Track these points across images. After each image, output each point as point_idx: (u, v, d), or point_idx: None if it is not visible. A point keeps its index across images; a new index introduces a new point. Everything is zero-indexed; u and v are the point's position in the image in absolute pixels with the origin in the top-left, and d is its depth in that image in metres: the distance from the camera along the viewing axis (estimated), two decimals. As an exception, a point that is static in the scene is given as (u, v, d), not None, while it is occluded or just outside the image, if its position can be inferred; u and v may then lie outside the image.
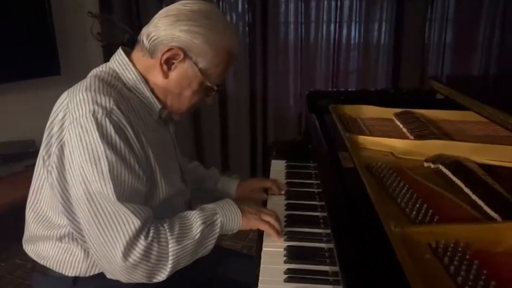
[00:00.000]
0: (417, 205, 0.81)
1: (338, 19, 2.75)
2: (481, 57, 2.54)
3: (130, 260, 0.84)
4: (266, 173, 1.50)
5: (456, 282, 0.60)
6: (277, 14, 2.86)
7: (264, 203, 1.25)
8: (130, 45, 3.08)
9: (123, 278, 0.87)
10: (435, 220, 0.77)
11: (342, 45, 2.81)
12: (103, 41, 3.03)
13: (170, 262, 0.88)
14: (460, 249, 0.67)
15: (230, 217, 0.98)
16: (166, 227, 0.90)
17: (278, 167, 1.50)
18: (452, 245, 0.67)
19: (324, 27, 2.80)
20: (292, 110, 2.98)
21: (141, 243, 0.85)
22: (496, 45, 2.51)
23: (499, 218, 0.75)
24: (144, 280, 0.88)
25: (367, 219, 0.71)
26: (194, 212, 0.96)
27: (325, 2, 2.76)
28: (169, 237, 0.88)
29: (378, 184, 0.93)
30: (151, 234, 0.86)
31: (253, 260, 1.15)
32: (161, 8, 3.10)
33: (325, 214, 1.08)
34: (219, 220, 0.96)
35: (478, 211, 0.81)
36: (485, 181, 0.92)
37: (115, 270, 0.86)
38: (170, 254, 0.88)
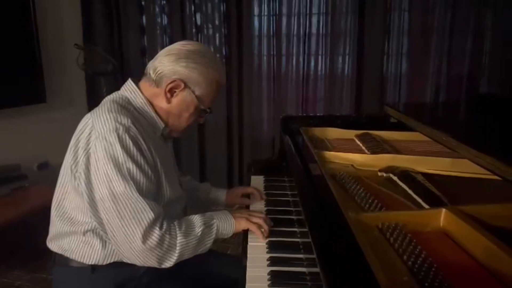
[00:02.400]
0: (370, 200, 1.05)
1: (306, 53, 3.06)
2: (431, 85, 2.89)
3: (148, 244, 1.03)
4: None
5: (395, 249, 0.83)
6: (251, 47, 3.14)
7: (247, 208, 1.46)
8: (113, 75, 3.26)
9: (139, 261, 1.06)
10: (382, 210, 1.00)
11: (310, 75, 3.11)
12: (87, 71, 3.22)
13: (177, 252, 1.08)
14: (398, 228, 0.90)
15: (224, 222, 1.18)
16: (176, 224, 1.10)
17: (257, 182, 1.71)
18: (393, 226, 0.90)
19: (294, 60, 3.10)
20: (265, 134, 3.22)
21: (157, 232, 1.04)
22: (444, 75, 2.86)
23: (427, 207, 0.99)
24: (155, 265, 1.07)
25: (331, 209, 0.93)
26: (196, 215, 1.17)
27: (295, 37, 3.06)
28: (177, 232, 1.09)
29: (340, 188, 1.16)
30: (164, 227, 1.06)
31: (239, 259, 1.35)
32: (142, 40, 3.36)
33: (298, 217, 1.31)
34: (215, 224, 1.17)
35: (416, 206, 1.05)
36: (423, 184, 1.17)
37: (134, 253, 1.04)
38: (177, 245, 1.08)
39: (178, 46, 1.19)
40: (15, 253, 2.59)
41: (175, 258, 1.08)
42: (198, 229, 1.13)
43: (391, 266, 0.76)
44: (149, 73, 1.18)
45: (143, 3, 3.31)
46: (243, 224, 1.21)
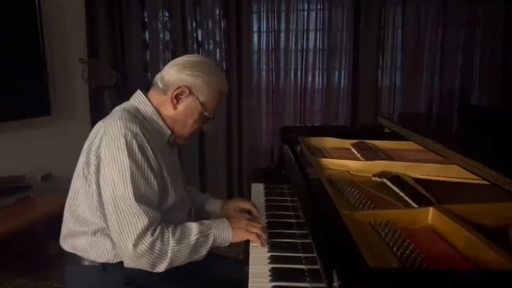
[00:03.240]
0: (363, 201, 1.13)
1: (304, 67, 3.17)
2: (424, 98, 2.99)
3: (138, 250, 1.10)
4: (241, 196, 1.77)
5: (385, 242, 0.90)
6: (251, 62, 3.24)
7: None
8: (117, 88, 3.35)
9: (131, 264, 1.12)
10: (375, 209, 1.08)
11: (308, 88, 3.21)
12: (92, 85, 3.31)
13: (168, 258, 1.13)
14: (389, 225, 0.98)
15: (222, 232, 1.24)
16: (170, 230, 1.16)
17: (257, 189, 1.80)
18: (384, 223, 0.98)
19: (292, 74, 3.20)
20: (264, 144, 3.31)
21: (148, 238, 1.10)
22: (436, 88, 2.98)
23: (417, 207, 1.07)
24: (147, 269, 1.13)
25: (327, 206, 1.01)
26: (194, 223, 1.23)
27: (292, 52, 3.17)
28: (170, 238, 1.14)
29: (336, 190, 1.24)
30: (157, 233, 1.12)
31: (241, 261, 1.42)
32: (145, 55, 3.46)
33: (297, 220, 1.38)
34: (212, 233, 1.22)
35: (406, 206, 1.13)
36: (414, 187, 1.25)
37: (126, 256, 1.11)
38: (169, 251, 1.13)
39: (183, 58, 1.30)
40: (21, 261, 2.64)
41: (166, 263, 1.13)
42: (193, 238, 1.17)
43: (382, 255, 0.84)
44: (157, 82, 1.27)
45: (146, 19, 3.43)
46: (241, 235, 1.25)
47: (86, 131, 3.56)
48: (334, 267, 0.65)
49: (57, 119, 3.16)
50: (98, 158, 1.15)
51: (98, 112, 3.39)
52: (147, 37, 3.46)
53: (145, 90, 1.34)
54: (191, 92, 1.26)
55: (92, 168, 1.15)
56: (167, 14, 3.39)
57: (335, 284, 0.63)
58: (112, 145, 1.13)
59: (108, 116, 1.23)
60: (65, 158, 3.32)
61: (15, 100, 2.84)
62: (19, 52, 2.87)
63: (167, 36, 3.43)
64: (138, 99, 1.28)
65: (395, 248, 0.87)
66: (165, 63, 3.81)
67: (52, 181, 3.17)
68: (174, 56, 3.34)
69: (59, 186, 3.13)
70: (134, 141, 1.14)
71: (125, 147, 1.12)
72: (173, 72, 1.26)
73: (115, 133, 1.14)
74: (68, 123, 3.31)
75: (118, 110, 1.25)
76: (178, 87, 1.24)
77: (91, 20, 3.39)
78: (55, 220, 2.62)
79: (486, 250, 0.83)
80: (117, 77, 3.25)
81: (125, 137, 1.13)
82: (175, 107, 1.27)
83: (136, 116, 1.22)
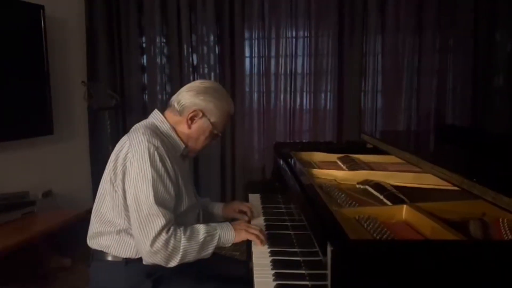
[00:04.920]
0: (349, 202, 1.34)
1: (292, 90, 3.41)
2: (403, 118, 3.25)
3: (155, 246, 1.27)
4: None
5: (368, 230, 1.11)
6: (243, 85, 3.47)
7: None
8: (116, 109, 3.53)
9: (148, 259, 1.30)
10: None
11: (296, 109, 3.45)
12: (93, 106, 3.49)
13: (180, 254, 1.31)
14: (371, 219, 1.18)
15: (226, 232, 1.42)
16: (181, 230, 1.34)
17: (254, 198, 1.99)
18: (366, 217, 1.19)
19: (282, 96, 3.44)
20: (256, 162, 3.51)
21: (163, 236, 1.28)
22: (414, 109, 3.24)
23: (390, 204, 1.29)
24: (162, 263, 1.31)
25: (320, 206, 1.21)
26: (202, 225, 1.41)
27: (282, 76, 3.42)
28: (182, 236, 1.32)
29: (326, 194, 1.45)
30: (170, 231, 1.30)
31: (244, 261, 1.60)
32: (142, 78, 3.66)
33: (292, 223, 1.58)
34: (218, 233, 1.41)
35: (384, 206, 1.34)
36: (391, 191, 1.47)
37: (144, 253, 1.29)
38: (181, 248, 1.31)
39: (197, 83, 1.50)
40: (25, 274, 2.75)
41: (178, 258, 1.31)
42: (201, 236, 1.36)
43: (363, 237, 1.04)
44: (174, 105, 1.47)
45: (144, 44, 3.64)
46: (242, 235, 1.44)
47: (85, 150, 3.83)
48: (327, 239, 0.85)
49: (58, 139, 3.31)
50: (124, 168, 1.33)
51: (97, 132, 3.56)
52: (145, 61, 3.67)
53: (162, 109, 1.53)
54: (204, 115, 1.46)
55: (119, 176, 1.34)
56: (164, 40, 3.61)
57: (328, 251, 0.83)
58: (137, 156, 1.31)
59: (132, 132, 1.41)
60: (65, 176, 3.48)
61: (20, 121, 2.99)
62: (25, 75, 3.03)
63: (164, 61, 3.64)
64: (156, 117, 1.48)
65: (375, 234, 1.07)
66: (161, 86, 3.98)
67: (52, 198, 3.30)
68: (170, 79, 3.59)
69: (59, 202, 3.26)
70: (156, 153, 1.33)
71: (148, 158, 1.31)
72: (189, 97, 1.45)
73: (140, 146, 1.33)
74: (69, 142, 3.47)
75: (140, 126, 1.44)
76: (193, 110, 1.44)
77: (92, 46, 3.58)
78: (58, 234, 2.77)
79: (448, 235, 1.04)
80: (117, 98, 3.44)
81: (149, 150, 1.32)
82: (189, 127, 1.46)
83: (155, 132, 1.41)
